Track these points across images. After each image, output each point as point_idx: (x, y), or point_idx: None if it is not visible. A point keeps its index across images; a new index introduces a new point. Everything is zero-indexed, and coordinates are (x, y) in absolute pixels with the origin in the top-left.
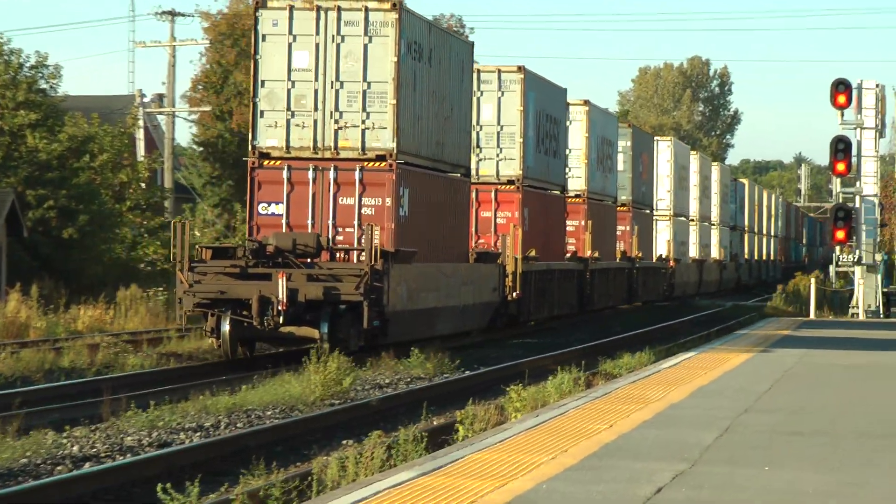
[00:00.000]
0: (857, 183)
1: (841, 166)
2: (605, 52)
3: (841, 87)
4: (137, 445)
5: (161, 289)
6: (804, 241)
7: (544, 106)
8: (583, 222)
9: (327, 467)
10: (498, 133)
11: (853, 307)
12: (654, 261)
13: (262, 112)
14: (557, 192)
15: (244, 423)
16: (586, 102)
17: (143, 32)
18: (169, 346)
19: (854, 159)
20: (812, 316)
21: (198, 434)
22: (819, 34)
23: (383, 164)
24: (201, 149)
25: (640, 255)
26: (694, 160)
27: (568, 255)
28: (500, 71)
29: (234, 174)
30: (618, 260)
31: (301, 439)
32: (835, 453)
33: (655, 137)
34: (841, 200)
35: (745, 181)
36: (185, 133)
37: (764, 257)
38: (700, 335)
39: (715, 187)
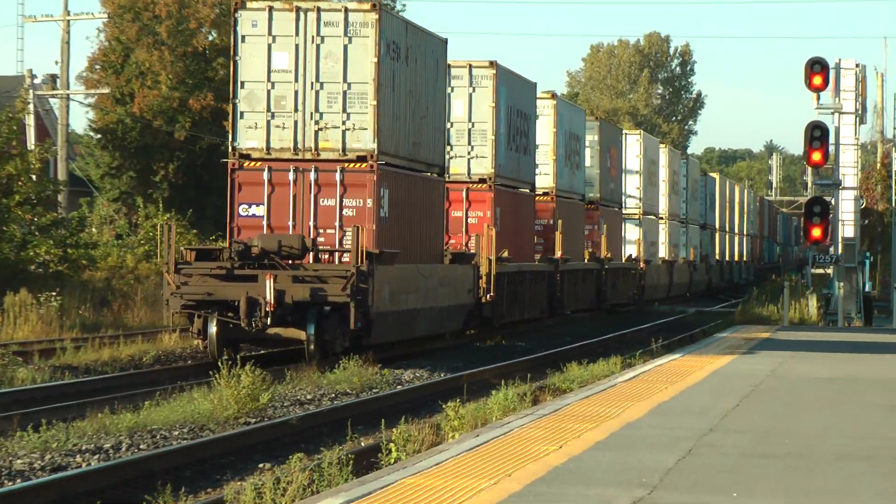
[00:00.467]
0: (835, 174)
1: (817, 156)
2: (552, 27)
3: (817, 68)
4: (28, 470)
5: (54, 293)
6: (778, 240)
7: (515, 101)
8: (551, 221)
9: (241, 494)
10: (469, 130)
11: (831, 313)
12: (623, 262)
13: (241, 113)
14: (527, 191)
15: (148, 444)
16: (553, 95)
17: (34, 5)
18: (63, 357)
19: (832, 148)
20: (786, 323)
21: (96, 457)
22: (792, 7)
23: (364, 164)
24: (99, 136)
25: (609, 255)
26: (663, 154)
27: (537, 256)
28: (471, 66)
29: (137, 164)
30: (586, 261)
31: (212, 462)
32: (810, 479)
33: (624, 131)
34: (817, 194)
35: (715, 175)
36: (80, 119)
37: (736, 258)
38: (662, 344)
39: (684, 183)
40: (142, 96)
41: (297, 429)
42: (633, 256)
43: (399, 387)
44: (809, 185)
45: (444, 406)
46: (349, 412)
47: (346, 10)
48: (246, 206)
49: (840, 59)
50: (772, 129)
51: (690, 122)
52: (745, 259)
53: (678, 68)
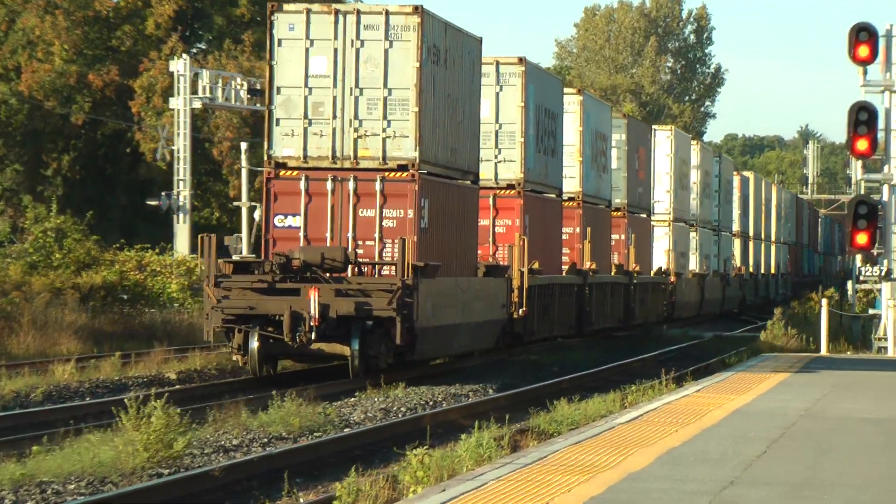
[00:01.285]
0: (886, 167)
1: (863, 144)
2: None
3: (863, 36)
4: None
5: None
6: (819, 249)
7: (542, 99)
8: (577, 229)
9: None
10: (496, 132)
11: (880, 339)
12: (651, 275)
13: (278, 120)
14: (553, 196)
15: (37, 500)
16: (580, 91)
17: None
18: None
19: (881, 134)
20: (824, 351)
21: None
22: None
23: (405, 174)
24: None
25: (637, 268)
26: (695, 152)
27: (565, 266)
28: (498, 63)
29: (24, 155)
30: (613, 273)
31: None
32: None
33: (654, 128)
34: (863, 191)
35: (749, 174)
36: None
37: (772, 270)
38: (673, 376)
39: (716, 184)
40: (30, 71)
41: (220, 482)
42: (663, 269)
43: (347, 429)
44: (854, 180)
45: (404, 453)
46: (286, 461)
47: (387, 13)
48: (282, 217)
49: (892, 25)
50: (807, 111)
51: (707, 103)
52: (781, 271)
53: (692, 36)
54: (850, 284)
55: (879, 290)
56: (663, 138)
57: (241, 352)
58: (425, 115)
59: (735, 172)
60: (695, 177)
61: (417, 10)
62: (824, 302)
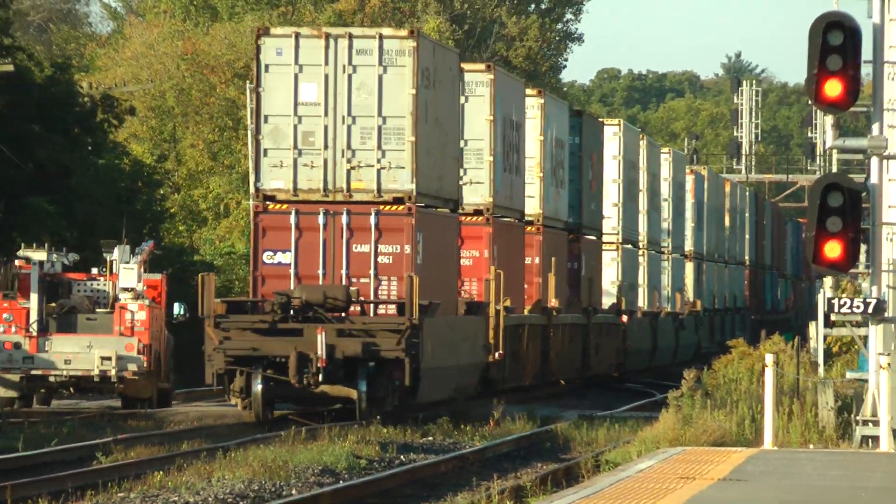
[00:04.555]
0: (875, 126)
1: (834, 87)
2: None
3: None
4: None
5: None
6: (786, 272)
7: (507, 110)
8: (537, 259)
9: None
10: (461, 150)
11: (861, 421)
12: (605, 312)
13: (265, 150)
14: (516, 221)
15: None
16: (541, 92)
17: None
18: None
19: (864, 70)
20: (768, 443)
21: None
22: None
23: (401, 207)
24: None
25: (590, 304)
26: (642, 150)
27: (528, 305)
28: (462, 70)
29: None
30: (570, 312)
31: None
32: None
33: (602, 123)
34: (834, 167)
35: (703, 171)
36: None
37: (727, 303)
38: (506, 487)
39: (666, 190)
40: None
41: None
42: (615, 305)
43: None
44: (820, 149)
45: None
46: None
47: (381, 37)
48: (271, 254)
49: None
50: (739, 33)
51: (568, 17)
52: (738, 304)
53: None
54: (812, 327)
55: (863, 339)
56: (610, 135)
57: (241, 395)
58: (421, 145)
59: (688, 171)
60: (643, 182)
61: (413, 34)
62: (769, 359)
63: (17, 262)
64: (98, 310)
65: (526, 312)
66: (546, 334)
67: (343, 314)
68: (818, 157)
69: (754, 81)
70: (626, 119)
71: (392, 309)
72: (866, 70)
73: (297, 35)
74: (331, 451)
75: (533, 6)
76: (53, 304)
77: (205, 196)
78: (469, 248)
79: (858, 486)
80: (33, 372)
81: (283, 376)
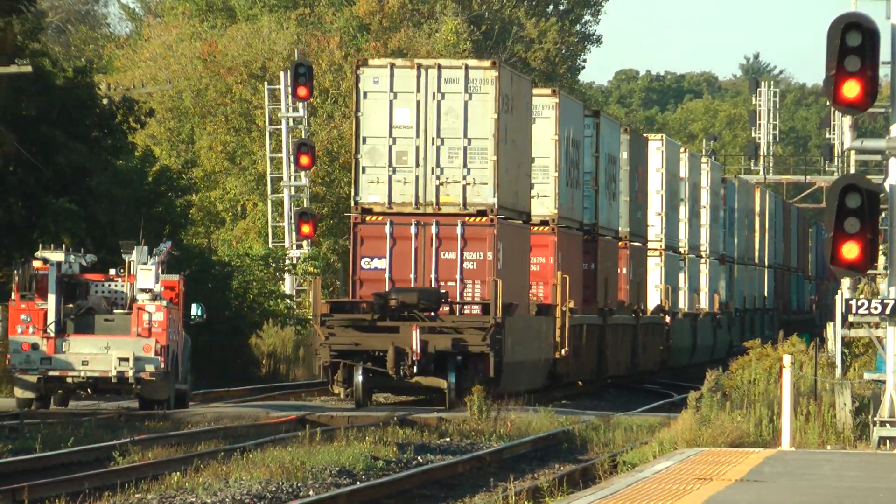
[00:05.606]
0: (893, 126)
1: (853, 88)
2: None
3: None
4: None
5: None
6: (810, 273)
7: (570, 129)
8: (592, 265)
9: None
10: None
11: (879, 422)
12: (649, 313)
13: (364, 168)
14: (577, 231)
15: None
16: (596, 113)
17: None
18: None
19: (883, 71)
20: (786, 444)
21: None
22: None
23: (484, 219)
24: None
25: (641, 306)
26: (683, 162)
27: (585, 306)
28: (532, 95)
29: None
30: (620, 313)
31: None
32: None
33: (647, 139)
34: (852, 168)
35: (734, 180)
36: None
37: (756, 304)
38: (523, 488)
39: (704, 198)
40: None
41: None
42: (659, 307)
43: None
44: (838, 150)
45: None
46: None
47: (467, 68)
48: (368, 260)
49: None
50: (757, 34)
51: (587, 18)
52: (766, 305)
53: None
54: (830, 328)
55: (881, 340)
56: (654, 150)
57: (344, 385)
58: (501, 163)
59: (722, 179)
60: (683, 192)
61: (495, 64)
62: (787, 360)
63: (34, 264)
64: (115, 311)
65: (585, 313)
66: (602, 333)
67: (433, 313)
68: (836, 159)
69: (772, 82)
70: (644, 120)
71: (476, 309)
72: (884, 71)
73: (392, 66)
74: (348, 452)
75: (551, 7)
76: (71, 305)
77: (221, 197)
78: (536, 255)
79: (876, 487)
80: (51, 373)
81: (381, 368)
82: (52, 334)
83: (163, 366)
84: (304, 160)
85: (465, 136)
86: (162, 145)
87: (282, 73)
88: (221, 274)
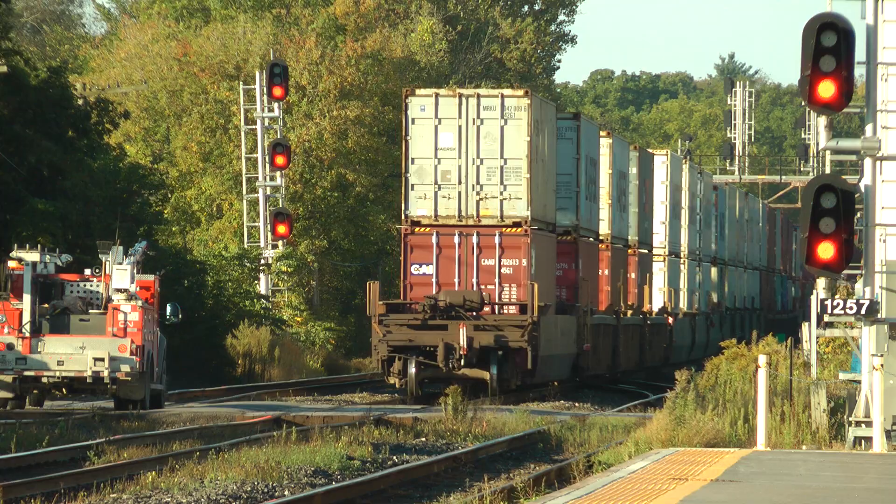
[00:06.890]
0: (868, 128)
1: (828, 88)
2: None
3: None
4: None
5: None
6: (794, 274)
7: (588, 149)
8: (607, 271)
9: None
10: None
11: (854, 422)
12: (654, 314)
13: (412, 185)
14: (593, 240)
15: None
16: (609, 134)
17: None
18: None
19: (858, 71)
20: (761, 444)
21: None
22: None
23: (519, 229)
24: None
25: (649, 308)
26: (685, 175)
27: (601, 308)
28: (556, 118)
29: None
30: (628, 314)
31: None
32: None
33: (653, 154)
34: (828, 169)
35: (724, 187)
36: None
37: (745, 304)
38: (498, 488)
39: (699, 206)
40: None
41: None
42: (664, 308)
43: None
44: (813, 150)
45: None
46: None
47: (503, 96)
48: (417, 266)
49: None
50: (732, 35)
51: (561, 18)
52: (753, 305)
53: None
54: (805, 328)
55: (856, 340)
56: (659, 164)
57: (399, 376)
58: (533, 180)
59: (713, 186)
60: (685, 201)
61: (528, 93)
62: (762, 360)
63: (10, 263)
64: (91, 311)
65: (601, 314)
66: (616, 332)
67: (477, 313)
68: (811, 159)
69: (748, 82)
70: (620, 120)
71: (513, 309)
72: (860, 71)
73: (437, 95)
74: (324, 452)
75: (526, 7)
76: (46, 305)
77: (197, 197)
78: (561, 262)
79: (851, 487)
80: (26, 373)
81: (432, 361)
82: (28, 334)
83: (138, 366)
84: (280, 160)
85: (502, 156)
86: (137, 144)
87: (257, 73)
88: (196, 273)
